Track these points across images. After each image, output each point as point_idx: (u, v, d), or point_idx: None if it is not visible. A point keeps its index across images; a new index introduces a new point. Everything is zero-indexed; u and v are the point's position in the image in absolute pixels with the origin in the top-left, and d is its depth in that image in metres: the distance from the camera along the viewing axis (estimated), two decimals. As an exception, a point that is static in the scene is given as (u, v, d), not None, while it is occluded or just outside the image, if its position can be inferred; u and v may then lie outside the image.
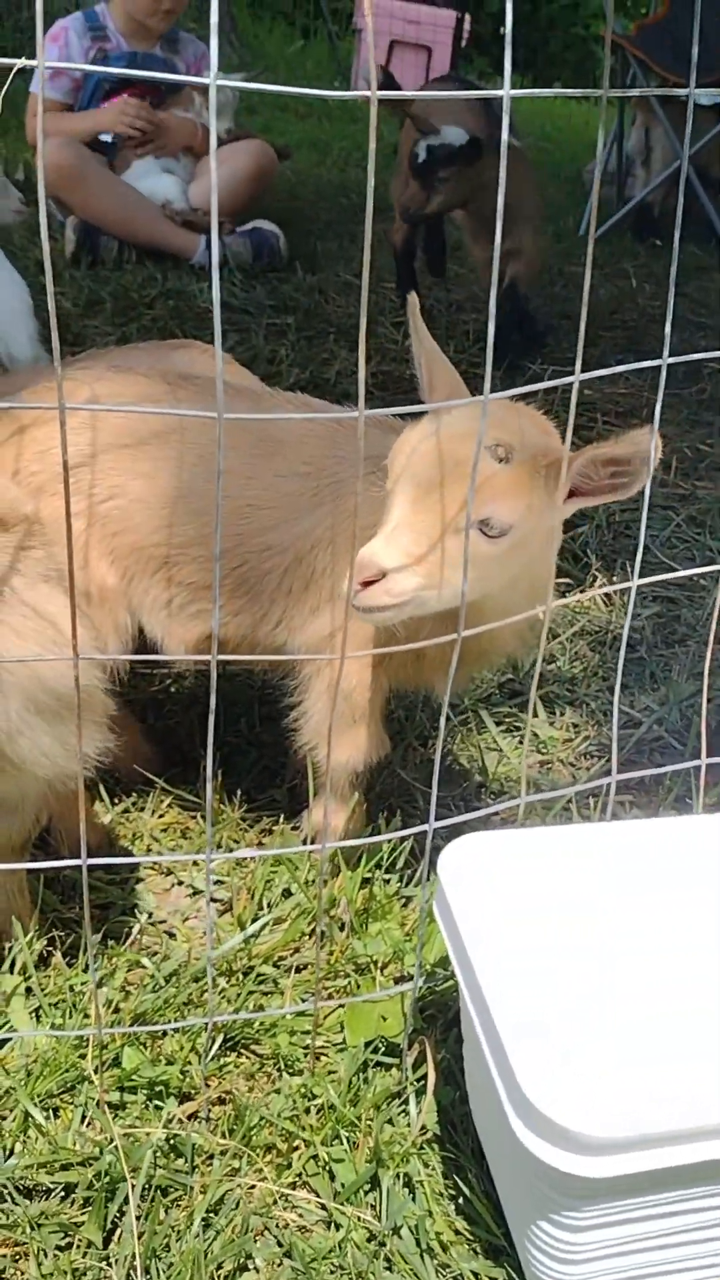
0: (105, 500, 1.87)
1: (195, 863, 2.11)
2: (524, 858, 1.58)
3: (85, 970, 1.81)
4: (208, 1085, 1.65)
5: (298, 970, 1.88)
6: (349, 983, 1.84)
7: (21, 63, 1.00)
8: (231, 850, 2.15)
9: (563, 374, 4.48)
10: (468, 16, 9.07)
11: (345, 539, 1.84)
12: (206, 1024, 1.61)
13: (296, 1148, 1.58)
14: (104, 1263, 1.44)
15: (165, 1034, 1.71)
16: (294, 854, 2.03)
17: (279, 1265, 1.46)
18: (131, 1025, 1.70)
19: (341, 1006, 1.72)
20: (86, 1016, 1.74)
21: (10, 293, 2.87)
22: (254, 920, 1.92)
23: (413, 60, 8.95)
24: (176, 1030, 1.70)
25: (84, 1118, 1.62)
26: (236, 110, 6.03)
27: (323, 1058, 1.72)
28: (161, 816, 2.23)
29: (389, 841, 2.06)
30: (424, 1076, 1.63)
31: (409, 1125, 1.60)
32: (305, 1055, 1.71)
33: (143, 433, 1.87)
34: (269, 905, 1.98)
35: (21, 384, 2.15)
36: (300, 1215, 1.52)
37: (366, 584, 1.51)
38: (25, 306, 2.88)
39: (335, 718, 1.91)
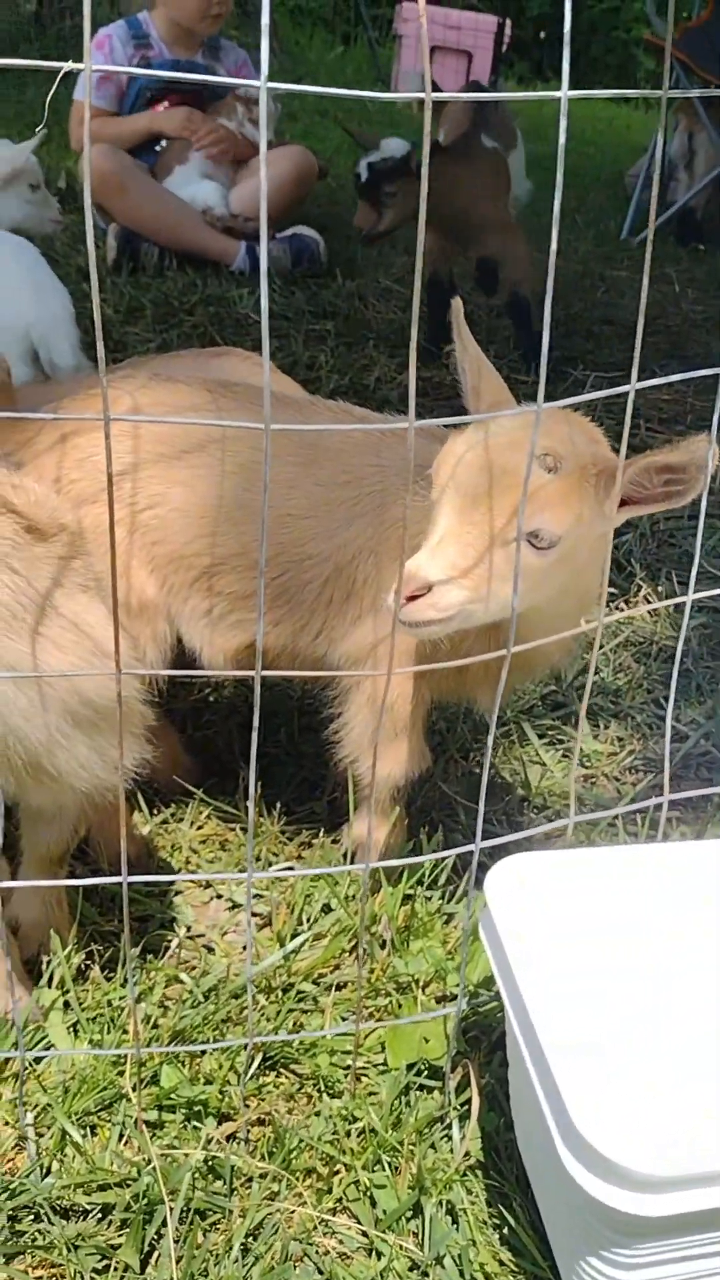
0: (145, 509, 1.85)
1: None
2: (571, 878, 1.54)
3: (124, 984, 1.78)
4: (247, 1106, 1.62)
5: (338, 988, 1.85)
6: (390, 1002, 1.80)
7: (69, 66, 0.98)
8: (271, 865, 2.12)
9: (607, 380, 4.43)
10: (508, 21, 9.03)
11: (387, 549, 1.81)
12: (246, 1044, 1.58)
13: (337, 1172, 1.55)
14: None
15: (204, 1052, 1.68)
16: (350, 881, 2.01)
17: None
18: (170, 1043, 1.67)
19: (382, 1025, 1.68)
20: (124, 1032, 1.72)
21: (53, 300, 2.86)
22: (293, 936, 1.89)
23: (453, 65, 8.93)
24: (216, 1049, 1.67)
25: (121, 1136, 1.60)
26: (279, 118, 6.01)
27: (363, 1079, 1.69)
28: (200, 828, 2.20)
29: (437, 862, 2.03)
30: (468, 1101, 1.59)
31: (452, 1151, 1.56)
32: (345, 1076, 1.67)
33: (184, 442, 1.85)
34: (308, 921, 1.95)
35: (63, 392, 2.14)
36: (341, 1242, 1.49)
37: (412, 597, 1.48)
38: (67, 314, 2.87)
39: (371, 731, 1.88)
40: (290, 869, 2.08)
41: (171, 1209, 1.45)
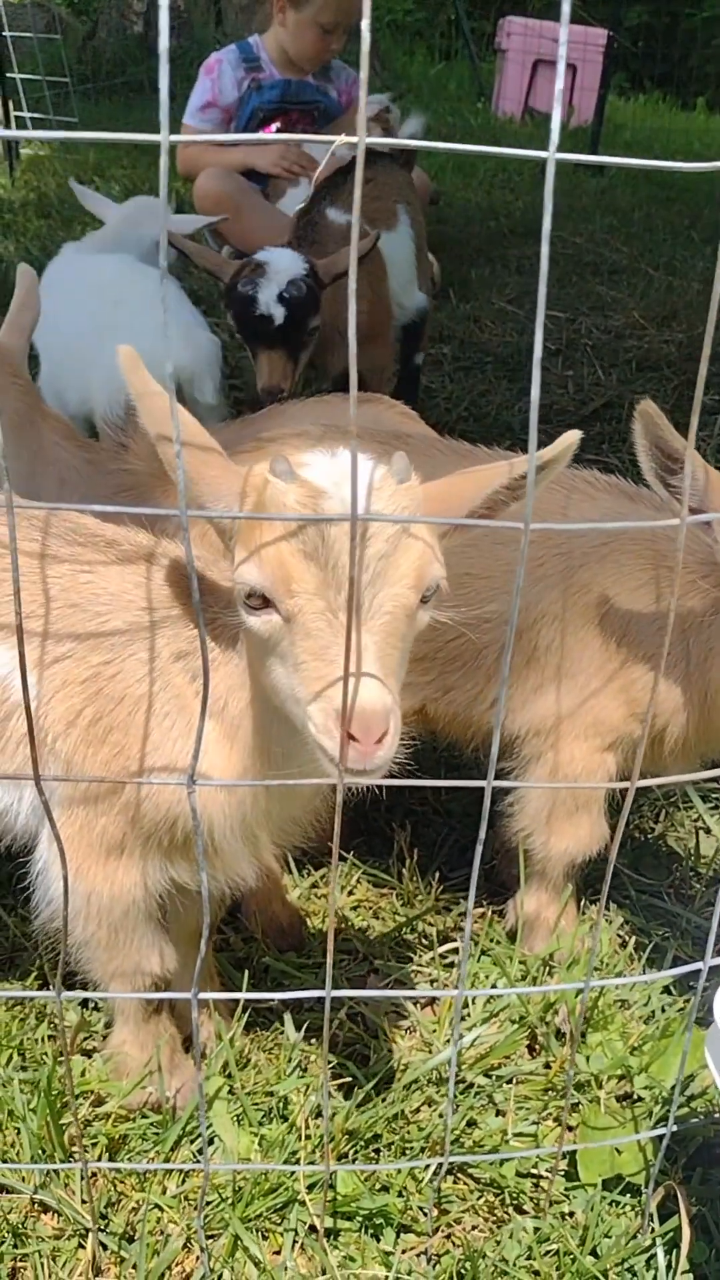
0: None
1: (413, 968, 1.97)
2: None
3: (287, 1076, 1.68)
4: (435, 1223, 1.51)
5: (508, 1081, 1.73)
6: (570, 1102, 1.68)
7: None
8: (426, 937, 2.00)
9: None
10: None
11: (574, 615, 1.69)
12: (441, 1164, 1.46)
13: (531, 1300, 1.43)
14: None
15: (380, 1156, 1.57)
16: (518, 963, 1.89)
17: None
18: (347, 1156, 1.56)
19: (589, 1146, 1.54)
20: (285, 1120, 1.62)
21: (201, 340, 2.78)
22: (468, 1027, 1.77)
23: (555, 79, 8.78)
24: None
25: (295, 1243, 1.49)
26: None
27: (541, 1183, 1.57)
28: (351, 893, 2.10)
29: (615, 948, 1.90)
30: (673, 1228, 1.46)
31: (656, 1281, 1.43)
32: (531, 1186, 1.56)
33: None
34: (468, 1004, 1.83)
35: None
36: None
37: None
38: (215, 355, 2.78)
39: (557, 805, 1.76)
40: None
41: (362, 1343, 1.34)
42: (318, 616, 1.11)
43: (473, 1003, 1.84)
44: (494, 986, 1.86)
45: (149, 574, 1.42)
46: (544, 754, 1.75)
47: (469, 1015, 1.82)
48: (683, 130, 10.66)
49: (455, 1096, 1.42)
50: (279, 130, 5.67)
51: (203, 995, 1.22)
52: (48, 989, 1.84)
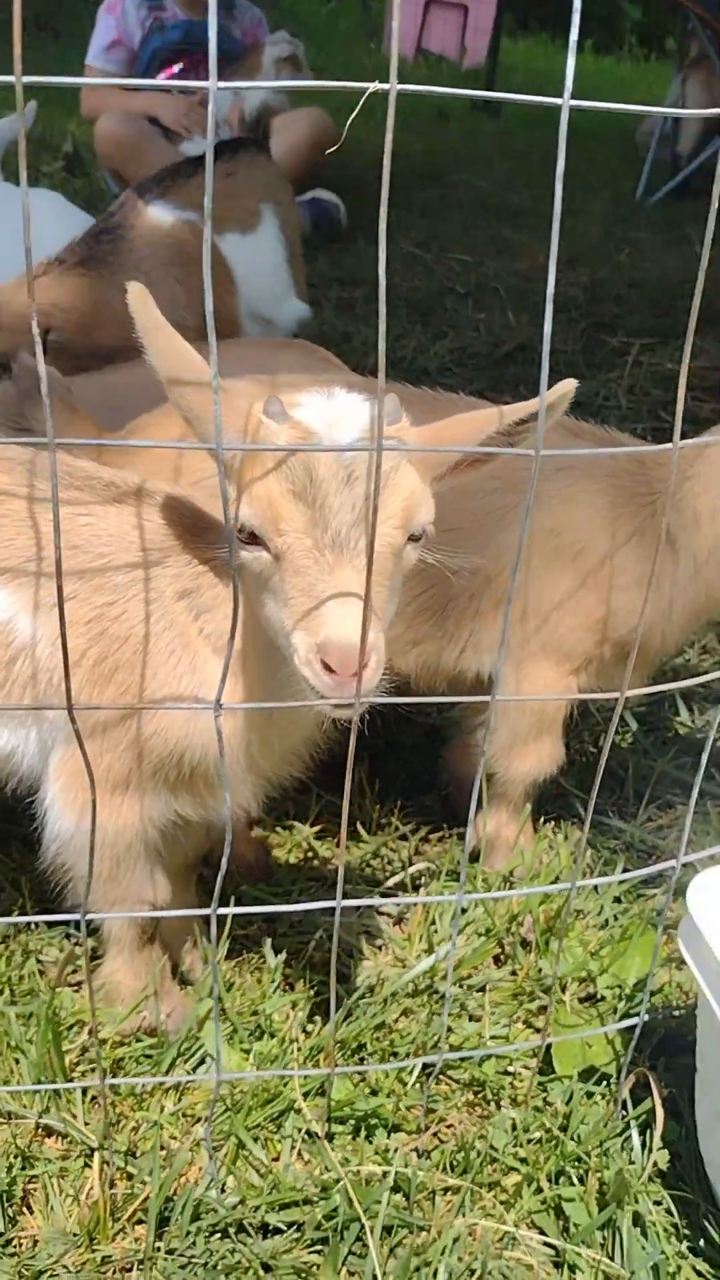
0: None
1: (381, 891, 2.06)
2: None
3: (271, 995, 1.76)
4: (426, 1119, 1.61)
5: (479, 990, 1.83)
6: (538, 1005, 1.79)
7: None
8: (390, 863, 2.09)
9: (646, 347, 4.36)
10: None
11: (540, 555, 1.77)
12: (435, 1062, 1.55)
13: (518, 1184, 1.54)
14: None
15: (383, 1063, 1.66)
16: (481, 880, 2.00)
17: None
18: (350, 1063, 1.65)
19: (568, 1039, 1.66)
20: (274, 1037, 1.70)
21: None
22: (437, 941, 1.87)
23: (453, 20, 8.77)
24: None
25: (293, 1148, 1.58)
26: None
27: (518, 1079, 1.68)
28: (315, 823, 2.17)
29: (579, 860, 2.01)
30: (645, 1111, 1.58)
31: (632, 1162, 1.55)
32: (509, 1082, 1.67)
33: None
34: (435, 920, 1.93)
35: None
36: (528, 1253, 1.48)
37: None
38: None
39: (522, 730, 1.86)
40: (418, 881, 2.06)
41: (371, 1228, 1.43)
42: (305, 554, 1.17)
43: (440, 918, 1.94)
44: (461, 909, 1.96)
45: (148, 514, 1.46)
46: (507, 682, 1.84)
47: (436, 930, 1.92)
48: (577, 72, 10.70)
49: (450, 998, 1.52)
50: (181, 73, 5.58)
51: (222, 911, 1.28)
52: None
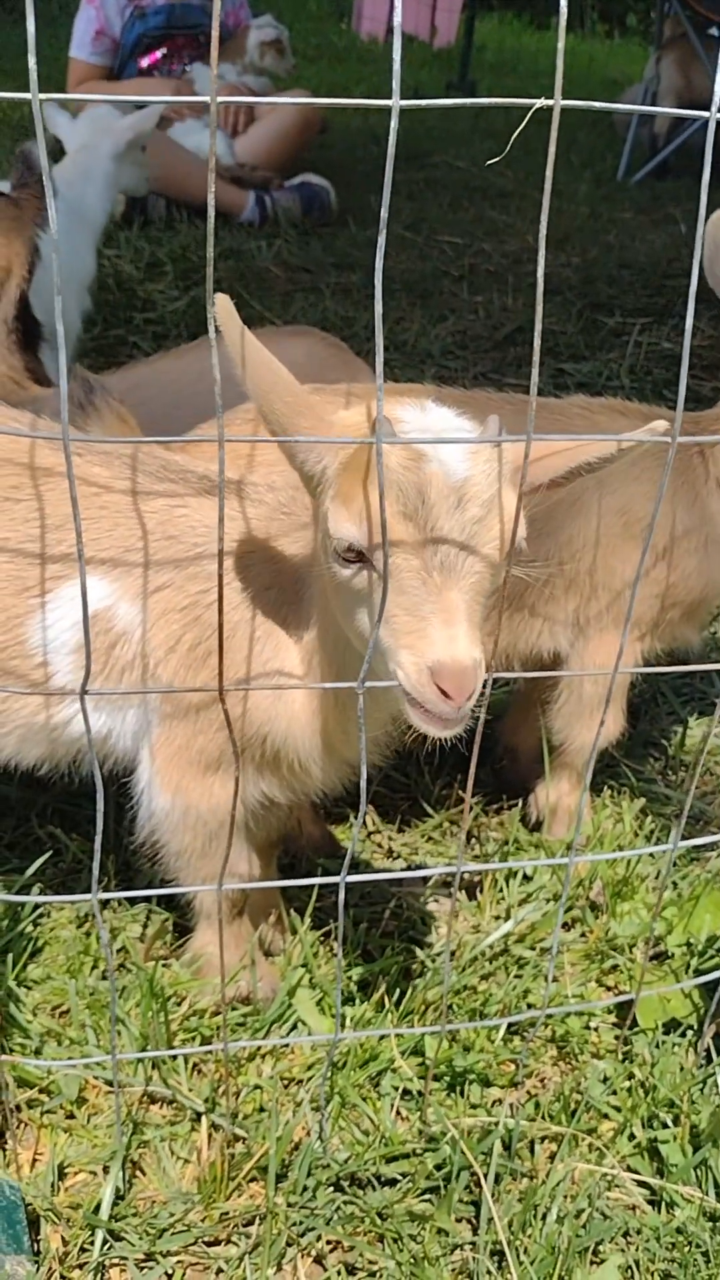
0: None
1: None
2: None
3: (340, 965, 1.83)
4: (517, 1076, 1.68)
5: (544, 951, 1.91)
6: (610, 964, 1.87)
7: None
8: (448, 834, 2.16)
9: (644, 327, 4.44)
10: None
11: (609, 539, 1.83)
12: (539, 1018, 1.63)
13: (613, 1130, 1.62)
14: (468, 1251, 1.47)
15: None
16: (549, 846, 2.08)
17: (631, 1247, 1.49)
18: (425, 1013, 1.72)
19: (653, 993, 1.74)
20: (355, 1003, 1.77)
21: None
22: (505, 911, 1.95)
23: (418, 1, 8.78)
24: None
25: (392, 1106, 1.65)
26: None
27: (598, 1034, 1.76)
28: (374, 803, 2.24)
29: (634, 829, 2.09)
30: (727, 1056, 1.66)
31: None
32: (591, 1037, 1.74)
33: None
34: (504, 886, 2.01)
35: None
36: (626, 1195, 1.56)
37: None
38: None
39: (586, 700, 1.93)
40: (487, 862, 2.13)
41: (484, 1176, 1.50)
42: (413, 575, 1.18)
43: (507, 886, 2.01)
44: (526, 876, 2.04)
45: (241, 507, 1.51)
46: (591, 657, 1.90)
47: (505, 898, 1.99)
48: (546, 50, 10.76)
49: (555, 951, 1.58)
50: (164, 56, 5.59)
51: (351, 878, 1.34)
52: (106, 903, 1.94)
